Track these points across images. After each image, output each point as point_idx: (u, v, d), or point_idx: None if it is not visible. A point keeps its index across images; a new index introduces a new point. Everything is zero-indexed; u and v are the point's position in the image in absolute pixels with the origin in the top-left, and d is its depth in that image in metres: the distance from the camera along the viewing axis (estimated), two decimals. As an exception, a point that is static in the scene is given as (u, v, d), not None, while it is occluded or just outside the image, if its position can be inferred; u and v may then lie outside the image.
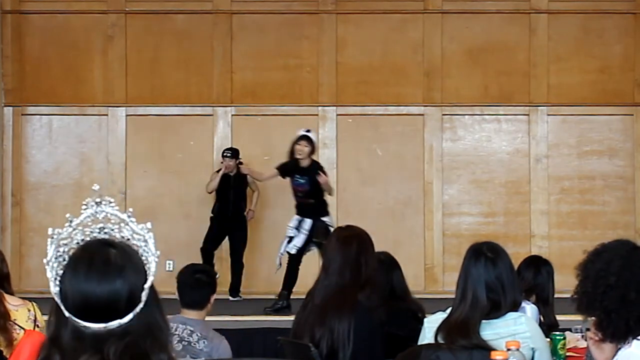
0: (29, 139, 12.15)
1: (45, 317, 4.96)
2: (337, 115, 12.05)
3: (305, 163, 10.03)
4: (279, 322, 8.41)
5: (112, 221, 2.22)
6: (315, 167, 10.09)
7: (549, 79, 12.12)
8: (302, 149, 10.02)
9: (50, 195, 12.06)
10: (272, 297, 10.57)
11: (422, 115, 12.12)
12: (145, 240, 2.22)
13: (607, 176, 12.11)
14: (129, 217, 2.23)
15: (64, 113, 12.14)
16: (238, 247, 11.30)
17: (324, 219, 9.96)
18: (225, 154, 11.20)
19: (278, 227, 11.96)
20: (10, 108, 12.12)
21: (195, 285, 5.08)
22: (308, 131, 10.24)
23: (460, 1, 12.22)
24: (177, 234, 11.71)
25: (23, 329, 4.63)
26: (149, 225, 2.24)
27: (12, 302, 4.77)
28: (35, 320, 4.81)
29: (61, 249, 2.21)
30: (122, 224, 2.22)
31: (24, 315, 4.77)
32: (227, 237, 11.33)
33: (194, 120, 12.11)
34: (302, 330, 4.87)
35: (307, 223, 9.93)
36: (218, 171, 11.23)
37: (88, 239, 2.21)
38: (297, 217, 10.06)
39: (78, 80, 12.12)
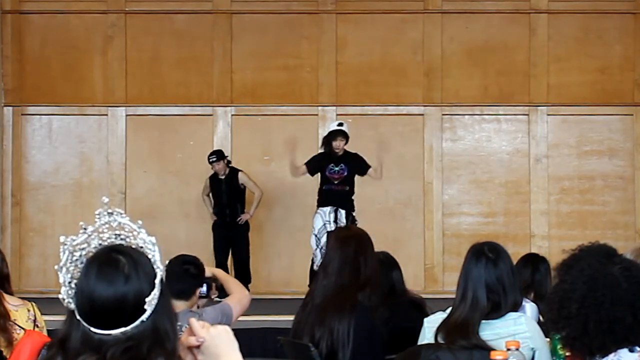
0: (29, 139, 12.15)
1: (45, 317, 4.97)
2: (337, 115, 12.04)
3: (340, 153, 10.12)
4: (279, 322, 8.41)
5: (126, 229, 2.28)
6: (350, 154, 10.26)
7: (549, 79, 12.12)
8: (339, 144, 10.15)
9: (50, 195, 12.05)
10: (272, 297, 10.58)
11: (422, 115, 12.12)
12: (153, 252, 2.29)
13: (607, 176, 12.11)
14: (139, 227, 2.29)
15: (64, 113, 12.14)
16: (242, 255, 11.13)
17: (354, 214, 10.06)
18: (211, 160, 11.01)
19: (278, 227, 11.97)
20: (10, 108, 12.12)
21: (183, 275, 5.12)
22: (341, 124, 10.32)
23: (460, 1, 12.21)
24: (177, 234, 11.70)
25: (23, 329, 4.63)
26: (154, 239, 2.30)
27: (12, 302, 4.77)
28: (35, 321, 4.81)
29: (77, 254, 2.26)
30: (135, 233, 2.29)
31: (23, 316, 4.77)
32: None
33: (193, 120, 12.10)
34: (302, 330, 4.87)
35: (343, 215, 10.00)
36: (212, 177, 11.16)
37: (105, 243, 2.28)
38: (329, 208, 10.08)
39: (78, 80, 12.12)
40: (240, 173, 11.13)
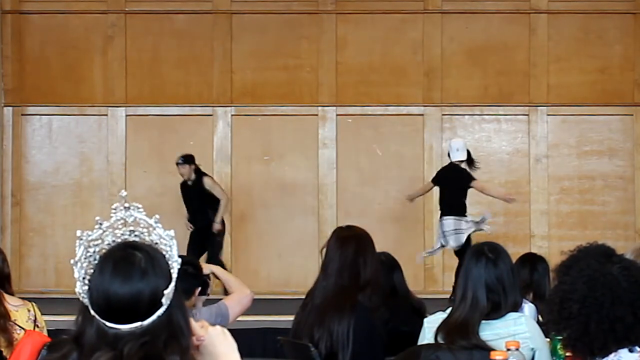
0: (29, 139, 12.15)
1: (45, 318, 4.97)
2: (337, 115, 12.05)
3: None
4: (279, 322, 8.41)
5: (142, 225, 2.28)
6: None
7: (548, 79, 12.12)
8: None
9: (50, 195, 12.05)
10: (272, 297, 10.58)
11: (422, 115, 12.12)
12: (170, 246, 2.28)
13: (607, 176, 12.11)
14: (155, 222, 2.28)
15: (64, 113, 12.14)
16: (211, 259, 11.05)
17: (446, 218, 10.52)
18: (176, 162, 11.08)
19: (278, 227, 11.97)
20: (10, 108, 12.12)
21: (182, 275, 5.11)
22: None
23: (460, 1, 12.22)
24: (177, 234, 11.65)
25: (23, 329, 4.63)
26: (172, 232, 2.30)
27: (12, 302, 4.77)
28: (35, 321, 4.81)
29: (91, 250, 2.25)
30: (150, 229, 2.28)
31: (24, 316, 4.77)
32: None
33: (193, 120, 12.11)
34: (301, 330, 4.86)
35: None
36: (182, 183, 11.17)
37: (119, 240, 2.26)
38: None
39: (78, 81, 12.12)
40: (205, 177, 11.13)
